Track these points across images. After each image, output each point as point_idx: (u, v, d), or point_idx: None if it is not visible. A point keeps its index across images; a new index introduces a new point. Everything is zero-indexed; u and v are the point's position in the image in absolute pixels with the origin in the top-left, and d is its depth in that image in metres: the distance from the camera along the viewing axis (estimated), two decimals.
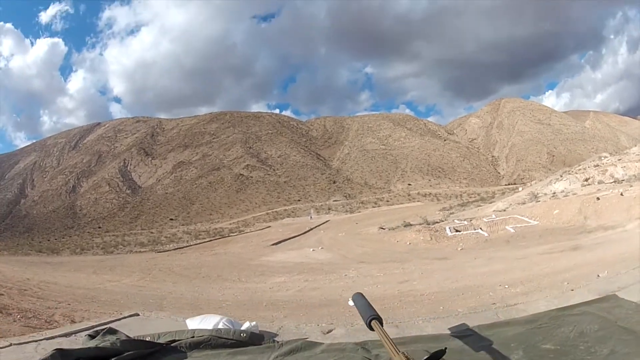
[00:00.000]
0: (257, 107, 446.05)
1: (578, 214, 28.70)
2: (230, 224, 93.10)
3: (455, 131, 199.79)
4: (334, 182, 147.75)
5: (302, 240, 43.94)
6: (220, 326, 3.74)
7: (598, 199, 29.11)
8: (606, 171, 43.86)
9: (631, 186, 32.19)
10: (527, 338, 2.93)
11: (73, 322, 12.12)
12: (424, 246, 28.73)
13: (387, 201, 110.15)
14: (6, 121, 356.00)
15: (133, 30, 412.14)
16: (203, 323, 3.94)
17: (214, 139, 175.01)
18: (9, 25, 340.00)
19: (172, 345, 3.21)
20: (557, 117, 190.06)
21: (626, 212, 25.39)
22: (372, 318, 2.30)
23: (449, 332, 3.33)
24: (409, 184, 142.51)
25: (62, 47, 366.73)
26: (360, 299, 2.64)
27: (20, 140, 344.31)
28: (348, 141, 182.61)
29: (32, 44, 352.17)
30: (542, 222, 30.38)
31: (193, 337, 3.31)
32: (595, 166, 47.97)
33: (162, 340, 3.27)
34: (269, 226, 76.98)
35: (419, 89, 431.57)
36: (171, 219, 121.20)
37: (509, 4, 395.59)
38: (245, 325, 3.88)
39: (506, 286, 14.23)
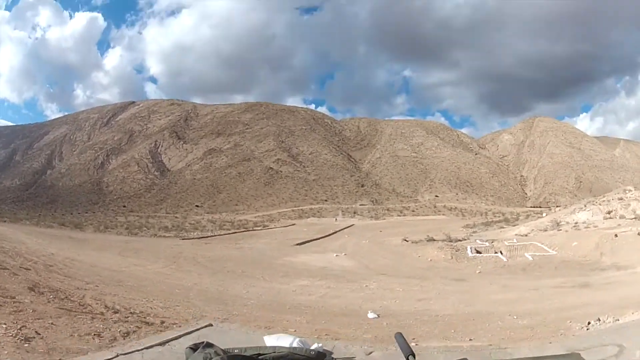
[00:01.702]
0: (292, 101, 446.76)
1: (595, 249, 28.99)
2: (255, 217, 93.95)
3: (487, 146, 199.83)
4: (362, 186, 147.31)
5: (326, 243, 44.88)
6: (294, 344, 4.38)
7: (616, 235, 29.73)
8: (629, 205, 44.90)
9: None
10: None
11: (106, 307, 12.55)
12: (444, 265, 29.57)
13: (413, 211, 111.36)
14: (38, 91, 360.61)
15: (174, 12, 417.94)
16: (280, 341, 4.54)
17: (247, 129, 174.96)
18: None
19: (259, 358, 3.62)
20: (588, 142, 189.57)
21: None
22: (409, 354, 3.02)
23: None
24: (436, 196, 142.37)
25: (101, 22, 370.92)
26: (400, 338, 3.32)
27: (52, 112, 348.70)
28: (380, 145, 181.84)
29: (70, 16, 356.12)
30: (560, 252, 30.90)
31: (274, 352, 3.77)
32: (619, 199, 48.76)
33: (249, 354, 3.69)
34: (294, 224, 77.81)
35: (455, 99, 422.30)
36: (197, 206, 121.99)
37: (551, 21, 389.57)
38: (314, 346, 4.59)
39: (515, 317, 14.88)
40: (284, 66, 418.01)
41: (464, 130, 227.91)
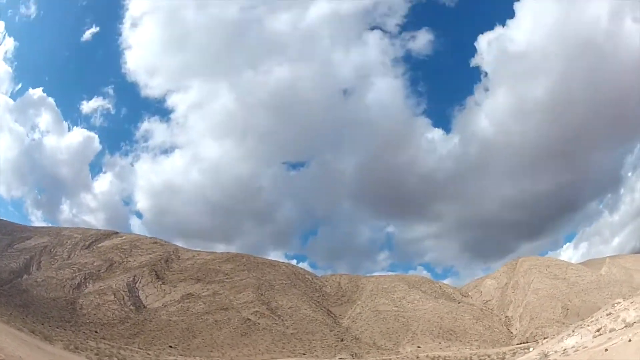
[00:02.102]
0: (274, 255, 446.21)
1: None
2: None
3: (470, 293, 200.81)
4: (342, 340, 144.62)
5: None
6: None
7: (606, 350, 30.40)
8: (618, 317, 44.61)
9: None
10: None
11: None
12: None
13: None
14: (27, 194, 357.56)
15: (167, 150, 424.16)
16: None
17: (227, 278, 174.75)
18: (51, 100, 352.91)
19: None
20: (573, 270, 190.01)
21: (634, 355, 26.70)
22: None
23: None
24: (419, 347, 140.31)
25: (97, 144, 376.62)
26: None
27: (36, 218, 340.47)
28: (361, 301, 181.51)
29: (69, 129, 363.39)
30: None
31: None
32: (607, 315, 48.67)
33: None
34: None
35: (438, 251, 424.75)
36: (170, 347, 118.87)
37: (531, 161, 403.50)
38: None
39: None
40: (268, 219, 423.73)
41: (446, 281, 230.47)
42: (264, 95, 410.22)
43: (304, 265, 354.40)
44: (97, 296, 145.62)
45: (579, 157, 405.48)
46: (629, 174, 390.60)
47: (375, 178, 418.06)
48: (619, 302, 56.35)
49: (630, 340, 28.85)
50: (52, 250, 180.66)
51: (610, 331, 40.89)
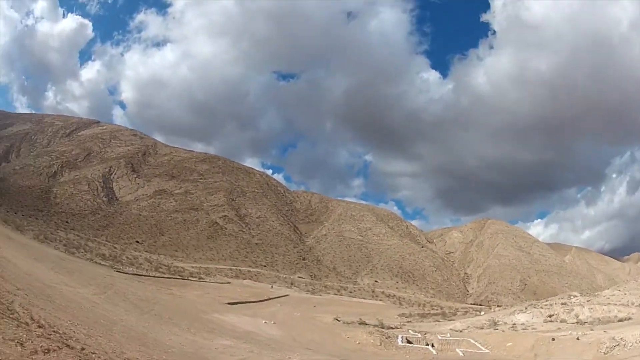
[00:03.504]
0: (251, 162, 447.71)
1: (530, 351, 28.91)
2: (192, 266, 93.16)
3: (435, 240, 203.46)
4: (304, 259, 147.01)
5: (258, 308, 44.81)
6: None
7: (553, 339, 29.50)
8: (572, 310, 44.55)
9: (592, 329, 32.61)
10: None
11: (32, 319, 12.73)
12: (372, 349, 29.26)
13: (351, 292, 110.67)
14: (14, 80, 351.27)
15: (159, 43, 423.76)
16: None
17: (200, 179, 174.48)
18: None
19: None
20: (538, 247, 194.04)
21: (577, 357, 25.81)
22: None
23: None
24: (376, 281, 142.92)
25: (89, 32, 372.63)
26: None
27: (20, 104, 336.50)
28: (328, 223, 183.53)
29: (64, 15, 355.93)
30: (493, 351, 30.80)
31: None
32: (562, 304, 48.82)
33: None
34: (229, 282, 77.81)
35: (412, 190, 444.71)
36: (137, 242, 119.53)
37: (519, 129, 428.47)
38: None
39: None
40: (250, 126, 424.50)
41: (414, 222, 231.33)
42: (266, 3, 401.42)
43: (278, 177, 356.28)
44: (71, 185, 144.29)
45: (567, 140, 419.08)
46: (613, 175, 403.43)
47: (362, 104, 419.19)
48: (576, 296, 58.31)
49: (578, 339, 28.96)
50: (32, 137, 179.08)
51: (561, 321, 41.70)
